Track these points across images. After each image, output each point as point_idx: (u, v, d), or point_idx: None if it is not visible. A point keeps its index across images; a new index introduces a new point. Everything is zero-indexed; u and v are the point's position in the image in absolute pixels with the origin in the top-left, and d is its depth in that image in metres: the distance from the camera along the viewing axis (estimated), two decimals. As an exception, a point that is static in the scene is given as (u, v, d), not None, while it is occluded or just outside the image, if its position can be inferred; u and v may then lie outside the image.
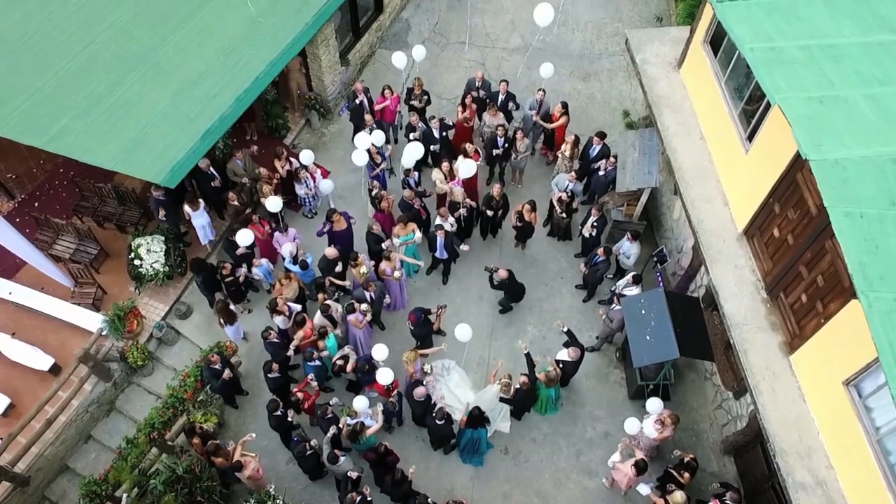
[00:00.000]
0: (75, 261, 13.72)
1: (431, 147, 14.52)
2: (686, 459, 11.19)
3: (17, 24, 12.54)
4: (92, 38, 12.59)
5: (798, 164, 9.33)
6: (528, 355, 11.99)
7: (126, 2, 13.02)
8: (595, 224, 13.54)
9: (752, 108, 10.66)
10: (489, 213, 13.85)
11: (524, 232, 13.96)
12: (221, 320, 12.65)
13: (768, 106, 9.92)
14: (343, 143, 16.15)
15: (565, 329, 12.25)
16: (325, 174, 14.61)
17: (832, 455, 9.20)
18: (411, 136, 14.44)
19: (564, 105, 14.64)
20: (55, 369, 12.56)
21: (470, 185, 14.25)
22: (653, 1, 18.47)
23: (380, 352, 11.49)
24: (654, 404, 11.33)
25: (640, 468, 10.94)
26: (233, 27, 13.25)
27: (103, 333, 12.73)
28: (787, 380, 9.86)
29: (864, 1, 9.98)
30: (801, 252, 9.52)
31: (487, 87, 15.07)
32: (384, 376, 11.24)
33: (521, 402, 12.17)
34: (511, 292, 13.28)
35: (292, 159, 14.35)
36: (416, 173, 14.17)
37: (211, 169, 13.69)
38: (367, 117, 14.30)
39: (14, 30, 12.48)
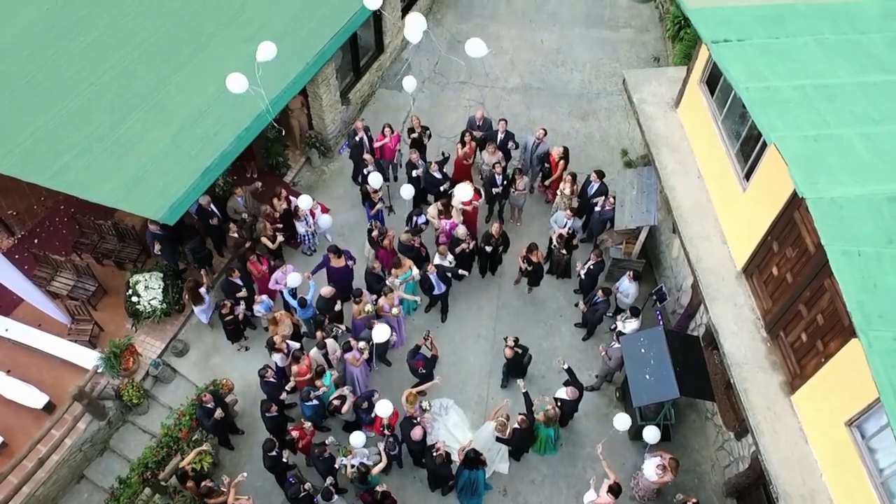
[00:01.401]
0: (73, 297, 13.69)
1: (441, 188, 14.49)
2: None
3: (21, 62, 12.70)
4: (95, 78, 12.75)
5: (795, 203, 9.33)
6: (526, 394, 11.87)
7: (129, 43, 13.22)
8: (591, 266, 13.50)
9: (749, 146, 10.72)
10: (488, 248, 13.82)
11: (535, 275, 13.91)
12: (187, 297, 13.08)
13: (764, 145, 9.97)
14: (343, 181, 16.24)
15: (565, 366, 12.14)
16: (325, 210, 14.64)
17: (835, 498, 9.02)
18: (413, 172, 14.50)
19: (565, 151, 14.75)
20: (49, 407, 12.44)
21: (469, 222, 14.27)
22: (650, 42, 18.72)
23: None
24: (651, 432, 11.08)
25: (615, 492, 10.73)
26: (234, 67, 13.35)
27: (99, 371, 12.64)
28: (788, 420, 9.73)
29: (857, 42, 10.09)
30: (800, 290, 9.47)
31: (488, 126, 15.19)
32: (383, 408, 11.14)
33: (520, 442, 12.01)
34: (512, 368, 12.99)
35: (291, 197, 14.40)
36: (422, 215, 14.20)
37: (211, 206, 13.74)
38: (367, 156, 14.39)
39: (18, 68, 12.64)
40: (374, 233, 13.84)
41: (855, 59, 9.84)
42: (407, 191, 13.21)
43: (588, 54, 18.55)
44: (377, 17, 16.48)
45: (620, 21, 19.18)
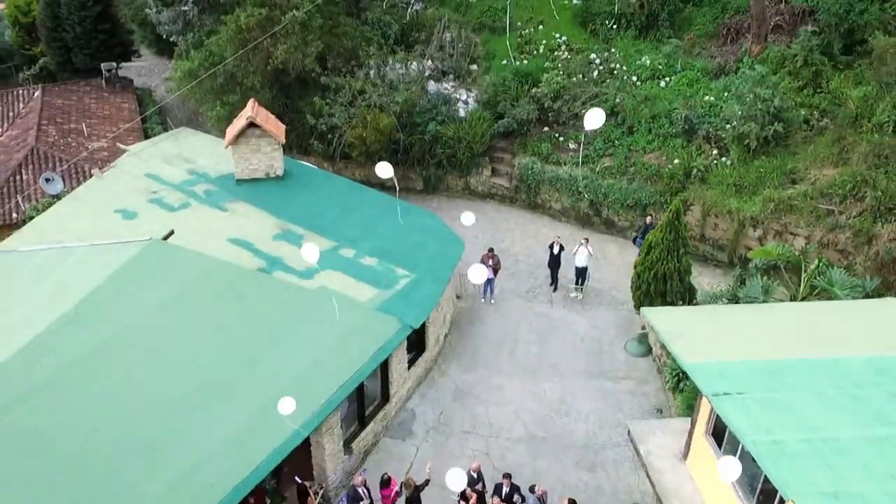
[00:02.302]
0: None
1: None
2: None
3: (24, 414, 12.87)
4: (97, 426, 12.85)
5: (830, 566, 8.65)
6: None
7: (137, 393, 13.55)
8: None
9: (767, 500, 10.27)
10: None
11: None
12: None
13: (783, 500, 9.57)
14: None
15: None
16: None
17: None
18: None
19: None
20: None
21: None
22: (651, 393, 19.04)
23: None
24: None
25: None
26: (239, 417, 13.53)
27: None
28: None
29: (856, 396, 10.27)
30: None
31: (482, 477, 14.94)
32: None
33: None
34: None
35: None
36: None
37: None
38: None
39: (20, 421, 12.77)
40: None
41: (858, 413, 9.92)
42: None
43: (591, 404, 18.74)
44: (385, 367, 17.07)
45: (620, 373, 19.73)
